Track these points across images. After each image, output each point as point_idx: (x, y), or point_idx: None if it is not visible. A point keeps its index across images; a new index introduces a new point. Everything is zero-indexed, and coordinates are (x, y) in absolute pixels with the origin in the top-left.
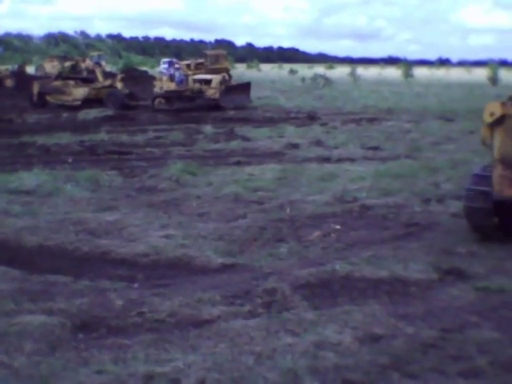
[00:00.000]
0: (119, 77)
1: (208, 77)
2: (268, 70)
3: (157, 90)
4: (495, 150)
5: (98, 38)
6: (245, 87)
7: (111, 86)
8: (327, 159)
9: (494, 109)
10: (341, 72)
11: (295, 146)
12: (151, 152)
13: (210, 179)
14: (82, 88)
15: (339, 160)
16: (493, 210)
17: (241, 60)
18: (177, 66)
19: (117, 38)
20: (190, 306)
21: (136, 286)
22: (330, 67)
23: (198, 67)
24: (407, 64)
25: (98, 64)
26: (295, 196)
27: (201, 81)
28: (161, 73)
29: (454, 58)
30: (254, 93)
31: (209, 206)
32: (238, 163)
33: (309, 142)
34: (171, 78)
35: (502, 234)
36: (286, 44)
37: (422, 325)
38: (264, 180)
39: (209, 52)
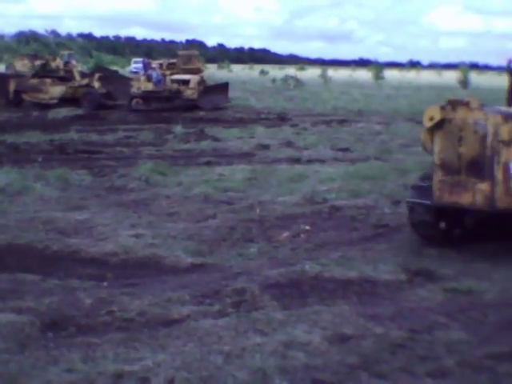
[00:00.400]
0: (96, 76)
1: (186, 77)
2: (239, 70)
3: (134, 90)
4: (435, 155)
5: (69, 37)
6: (223, 87)
7: (88, 86)
8: (297, 160)
9: (434, 113)
10: (312, 73)
11: (265, 146)
12: (121, 151)
13: (180, 179)
14: (59, 86)
15: (309, 161)
16: (433, 209)
17: (212, 60)
18: (153, 65)
19: (87, 38)
20: (160, 306)
21: (105, 284)
22: (301, 68)
23: (171, 67)
24: (378, 66)
25: (68, 63)
26: (265, 197)
27: (178, 81)
28: (132, 72)
29: (425, 61)
30: None
31: (178, 206)
32: (208, 163)
33: (279, 143)
34: (149, 78)
35: (443, 238)
36: (257, 45)
37: (390, 325)
38: (234, 180)
39: (181, 52)
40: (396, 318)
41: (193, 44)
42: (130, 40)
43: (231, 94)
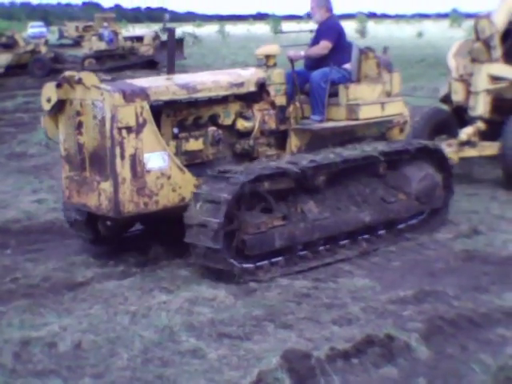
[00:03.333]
0: (43, 40)
1: (139, 33)
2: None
3: (85, 51)
4: (61, 146)
5: None
6: (179, 43)
7: (34, 51)
8: None
9: (50, 93)
10: (210, 29)
11: None
12: (21, 118)
13: None
14: (5, 54)
15: None
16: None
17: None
18: (105, 24)
19: None
20: (64, 270)
21: (8, 252)
22: (199, 25)
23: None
24: (276, 19)
25: None
26: None
27: (132, 38)
28: (30, 37)
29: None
30: None
31: None
32: None
33: None
34: (100, 37)
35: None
36: (153, 4)
37: (295, 276)
38: None
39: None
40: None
41: (89, 6)
42: (26, 5)
43: None
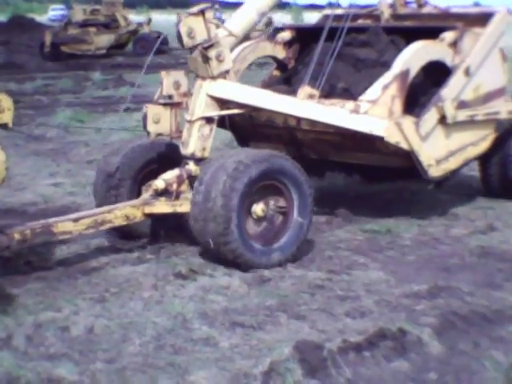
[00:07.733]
0: (147, 20)
1: None
2: (157, 16)
3: None
4: None
5: None
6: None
7: (135, 31)
8: None
9: None
10: (228, 17)
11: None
12: (39, 100)
13: (99, 126)
14: (107, 35)
15: None
16: None
17: (130, 6)
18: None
19: None
20: (78, 254)
21: None
22: (218, 11)
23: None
24: (297, 8)
25: None
26: None
27: None
28: (51, 21)
29: (345, 2)
30: None
31: (97, 154)
32: (127, 110)
33: None
34: None
35: None
36: None
37: (309, 266)
38: None
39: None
40: (315, 259)
41: None
42: None
43: None
